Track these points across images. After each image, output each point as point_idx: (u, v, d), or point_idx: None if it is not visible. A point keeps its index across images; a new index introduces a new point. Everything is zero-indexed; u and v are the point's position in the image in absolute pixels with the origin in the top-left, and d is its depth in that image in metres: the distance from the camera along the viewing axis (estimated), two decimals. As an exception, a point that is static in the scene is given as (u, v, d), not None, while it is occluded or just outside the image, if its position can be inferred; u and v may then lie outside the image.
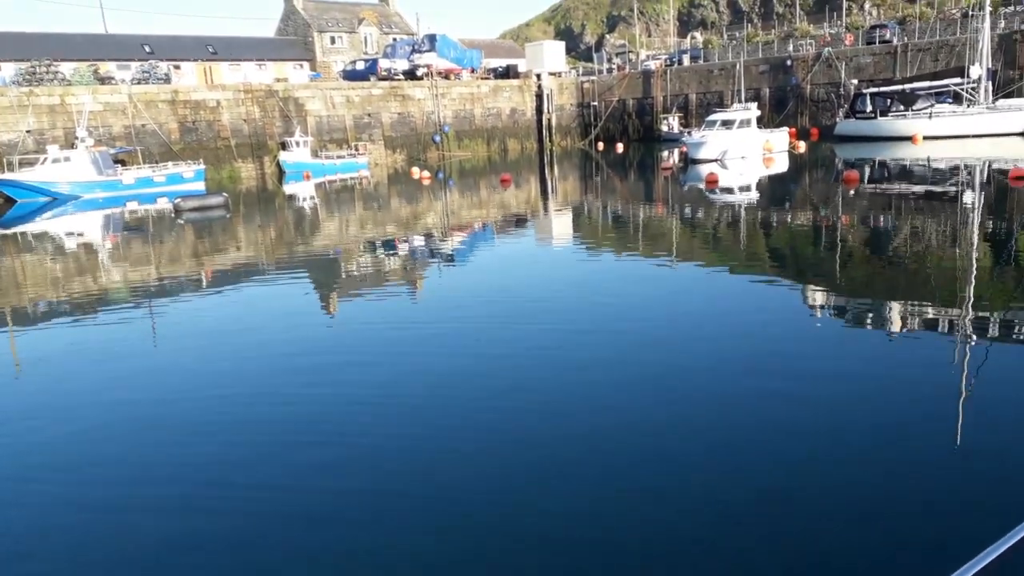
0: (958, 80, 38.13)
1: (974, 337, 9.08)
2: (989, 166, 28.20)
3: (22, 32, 52.08)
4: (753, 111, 37.91)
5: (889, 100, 41.00)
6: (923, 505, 5.41)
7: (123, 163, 36.75)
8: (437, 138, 50.77)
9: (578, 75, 61.61)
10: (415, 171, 39.44)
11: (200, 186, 35.72)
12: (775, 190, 27.55)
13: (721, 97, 50.20)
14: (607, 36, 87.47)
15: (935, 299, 11.05)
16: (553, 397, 7.91)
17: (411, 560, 5.07)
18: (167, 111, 40.82)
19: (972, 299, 10.82)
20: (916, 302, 11.09)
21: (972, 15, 40.45)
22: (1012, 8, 45.04)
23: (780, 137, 38.00)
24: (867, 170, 30.20)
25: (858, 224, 18.67)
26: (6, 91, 36.75)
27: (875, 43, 45.47)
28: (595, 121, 57.33)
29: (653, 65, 55.99)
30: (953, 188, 23.69)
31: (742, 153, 35.66)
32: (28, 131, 36.41)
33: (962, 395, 7.26)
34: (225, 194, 29.38)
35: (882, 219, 19.31)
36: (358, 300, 13.67)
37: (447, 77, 52.33)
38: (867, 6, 66.13)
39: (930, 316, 10.28)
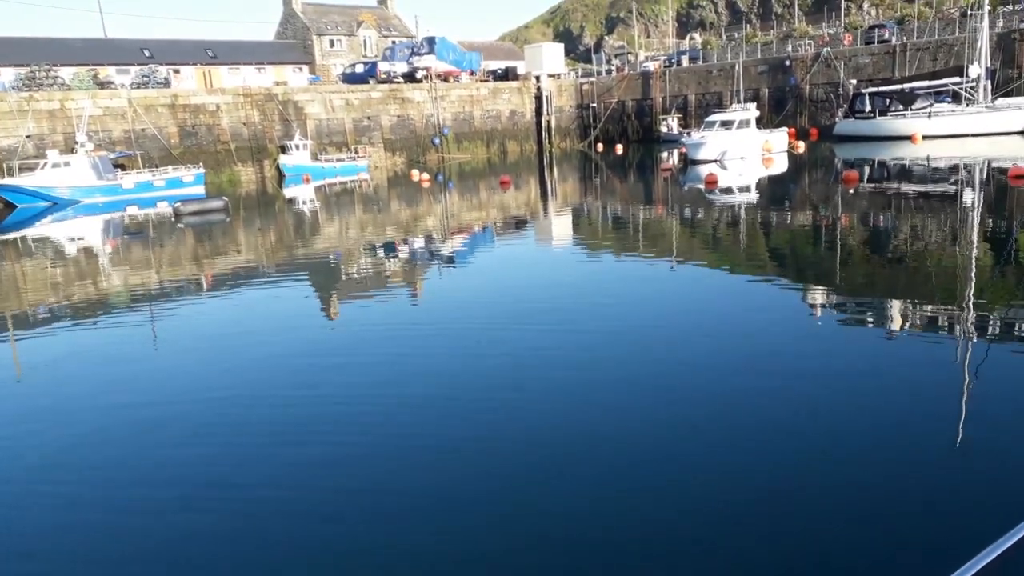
0: (957, 79, 38.15)
1: (974, 336, 9.08)
2: (988, 165, 28.20)
3: (22, 37, 52.12)
4: (752, 111, 37.93)
5: (888, 100, 41.02)
6: (923, 505, 5.41)
7: (123, 167, 36.75)
8: (436, 140, 50.80)
9: (577, 77, 61.67)
10: (415, 174, 39.48)
11: (200, 190, 35.74)
12: (774, 190, 27.56)
13: (720, 98, 50.22)
14: (606, 37, 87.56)
15: (935, 298, 11.06)
16: (553, 398, 7.91)
17: (412, 560, 5.07)
18: (167, 115, 40.86)
19: (972, 298, 10.81)
20: (916, 301, 11.09)
21: (971, 14, 40.45)
22: (1011, 7, 45.10)
23: (779, 137, 38.02)
24: (866, 170, 30.22)
25: (858, 224, 18.68)
26: (6, 96, 36.80)
27: (874, 43, 45.51)
28: (594, 123, 57.36)
29: (652, 66, 56.04)
30: (952, 187, 23.70)
31: (741, 154, 35.67)
32: (28, 136, 36.45)
33: (962, 394, 7.25)
34: (225, 198, 29.40)
35: (882, 219, 19.31)
36: (358, 303, 13.67)
37: (446, 79, 52.38)
38: (866, 6, 66.17)
39: (930, 315, 10.28)
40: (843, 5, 59.90)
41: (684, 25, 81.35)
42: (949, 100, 39.26)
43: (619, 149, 49.89)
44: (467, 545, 5.23)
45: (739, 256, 15.80)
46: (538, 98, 55.51)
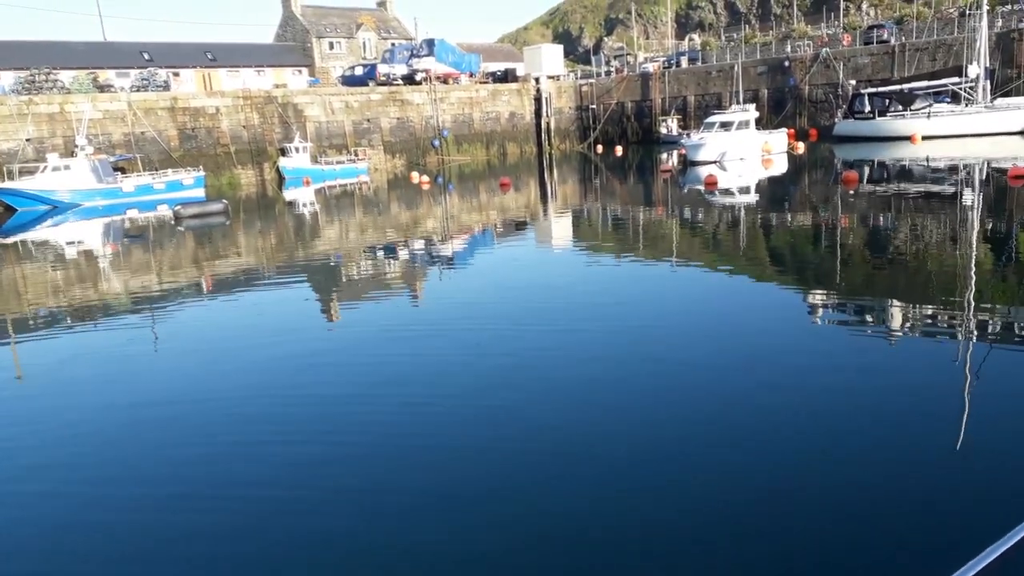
0: (956, 79, 38.15)
1: (974, 336, 9.08)
2: (988, 165, 28.21)
3: (21, 41, 52.19)
4: (751, 112, 37.95)
5: (887, 100, 41.03)
6: (923, 505, 5.41)
7: (123, 171, 36.77)
8: (436, 143, 50.82)
9: (576, 78, 61.69)
10: (414, 176, 39.49)
11: (200, 193, 35.75)
12: (774, 191, 27.57)
13: (719, 99, 50.25)
14: (605, 39, 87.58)
15: (935, 299, 11.06)
16: (553, 398, 7.92)
17: (412, 560, 5.08)
18: (166, 118, 40.89)
19: (972, 299, 10.82)
20: (916, 302, 11.09)
21: (970, 14, 40.47)
22: (1009, 7, 45.10)
23: (779, 138, 38.03)
24: (866, 170, 30.22)
25: (857, 224, 18.68)
26: (6, 100, 36.83)
27: (873, 43, 45.52)
28: (594, 124, 57.37)
29: (651, 67, 56.07)
30: (952, 188, 23.71)
31: (741, 154, 35.69)
32: (28, 139, 36.47)
33: (962, 394, 7.26)
34: (225, 201, 29.41)
35: (881, 219, 19.32)
36: (359, 304, 13.68)
37: (445, 82, 52.40)
38: (864, 6, 66.19)
39: (930, 316, 10.28)
40: (842, 5, 59.91)
41: (683, 26, 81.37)
42: (948, 100, 39.28)
43: (618, 150, 49.91)
44: (467, 545, 5.24)
45: (739, 257, 15.80)
46: (537, 100, 55.54)
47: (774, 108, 47.96)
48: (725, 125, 36.50)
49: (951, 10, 51.74)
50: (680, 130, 49.89)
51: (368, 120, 48.29)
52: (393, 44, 61.93)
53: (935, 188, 23.99)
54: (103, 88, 43.21)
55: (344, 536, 5.46)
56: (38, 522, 6.02)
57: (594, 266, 15.76)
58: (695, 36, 74.44)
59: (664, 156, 41.47)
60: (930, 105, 38.98)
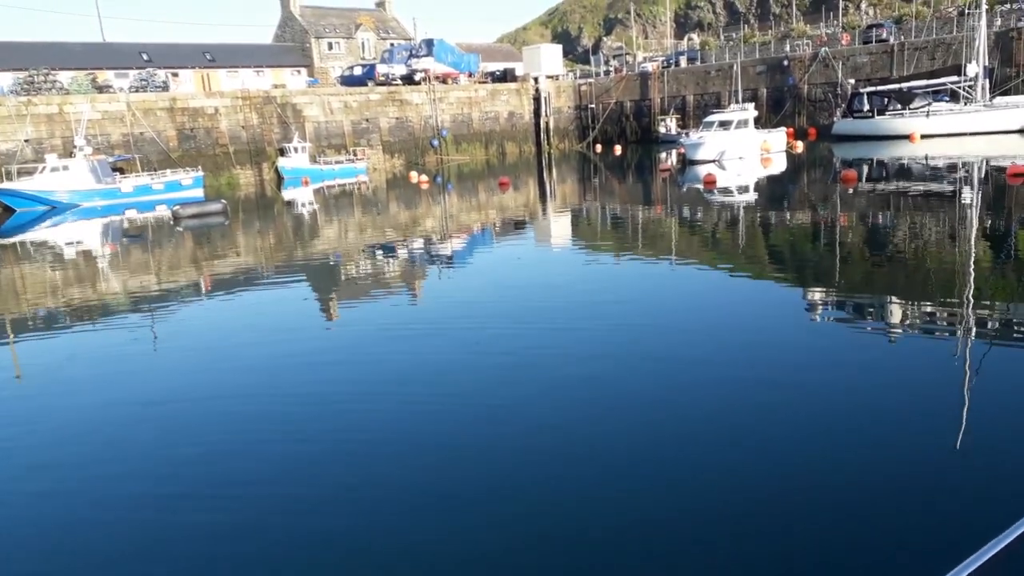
0: (955, 78, 38.17)
1: (973, 334, 9.08)
2: (987, 163, 28.22)
3: (20, 41, 52.17)
4: (750, 111, 37.95)
5: (886, 99, 41.05)
6: (923, 505, 5.41)
7: (122, 171, 36.75)
8: (435, 142, 50.81)
9: (575, 78, 61.69)
10: (413, 176, 39.48)
11: (199, 193, 35.72)
12: (773, 190, 27.58)
13: (718, 98, 50.26)
14: (604, 39, 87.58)
15: (934, 297, 11.06)
16: (553, 397, 7.92)
17: (412, 559, 5.08)
18: (165, 119, 40.87)
19: (971, 296, 10.82)
20: (915, 301, 11.10)
21: (968, 13, 40.49)
22: (1008, 6, 45.13)
23: (778, 137, 38.04)
24: (865, 169, 30.24)
25: (856, 223, 18.68)
26: (4, 100, 36.80)
27: (872, 42, 45.55)
28: (593, 124, 57.39)
29: (650, 67, 56.07)
30: (951, 186, 23.72)
31: (740, 154, 35.69)
32: (26, 140, 36.45)
33: (962, 394, 7.25)
34: (224, 201, 29.40)
35: (881, 218, 19.33)
36: (358, 304, 13.67)
37: (444, 81, 52.39)
38: (863, 5, 66.22)
39: (929, 314, 10.29)
40: (841, 5, 59.96)
41: (682, 26, 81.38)
42: (947, 99, 39.29)
43: (617, 150, 49.91)
44: (467, 544, 5.23)
45: (738, 256, 15.80)
46: (536, 99, 55.54)
47: (773, 107, 47.97)
48: (724, 124, 36.51)
49: (950, 9, 51.78)
50: (679, 129, 49.89)
51: (367, 120, 48.28)
52: (392, 44, 61.95)
53: (934, 186, 23.99)
54: (102, 89, 43.18)
55: (344, 535, 5.46)
56: (38, 522, 6.02)
57: (593, 265, 15.76)
58: (694, 36, 74.45)
59: (663, 155, 41.45)
60: (929, 104, 39.01)
